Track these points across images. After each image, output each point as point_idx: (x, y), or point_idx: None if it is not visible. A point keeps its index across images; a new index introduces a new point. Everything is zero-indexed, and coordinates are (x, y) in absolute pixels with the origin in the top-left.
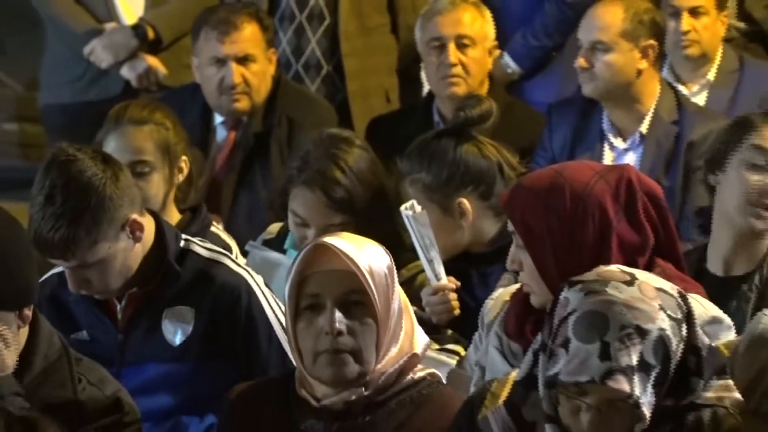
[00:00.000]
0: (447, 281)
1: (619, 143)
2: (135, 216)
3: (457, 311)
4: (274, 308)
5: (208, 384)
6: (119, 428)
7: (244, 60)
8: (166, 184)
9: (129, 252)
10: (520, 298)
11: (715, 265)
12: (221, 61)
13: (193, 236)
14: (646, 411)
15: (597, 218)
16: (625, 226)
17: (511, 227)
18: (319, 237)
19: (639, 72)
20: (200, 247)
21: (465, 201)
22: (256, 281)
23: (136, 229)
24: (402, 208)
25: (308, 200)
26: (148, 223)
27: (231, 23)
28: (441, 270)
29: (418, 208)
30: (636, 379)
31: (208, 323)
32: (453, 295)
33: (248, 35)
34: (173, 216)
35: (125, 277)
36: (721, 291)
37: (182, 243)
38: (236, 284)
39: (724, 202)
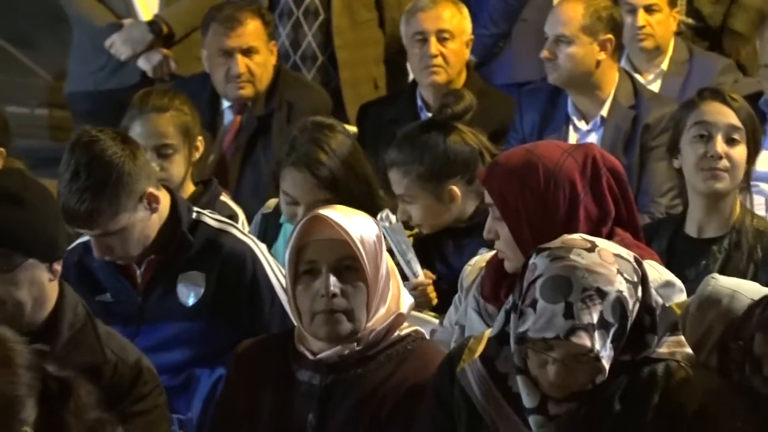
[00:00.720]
0: (424, 277)
1: (582, 125)
2: (151, 189)
3: (435, 301)
4: (276, 273)
5: (218, 340)
6: (145, 395)
7: (248, 52)
8: (186, 163)
9: (146, 222)
10: (495, 264)
11: (690, 227)
12: (228, 53)
13: (205, 205)
14: (606, 364)
15: (567, 192)
16: (590, 199)
17: (488, 200)
18: (308, 212)
19: (598, 63)
20: (210, 218)
21: (454, 188)
22: (260, 249)
23: (152, 201)
24: (378, 218)
25: (296, 180)
26: (164, 197)
27: (236, 19)
28: (417, 268)
29: (393, 218)
30: (596, 335)
31: (218, 286)
32: (430, 288)
33: (252, 30)
34: (188, 188)
35: (143, 245)
36: (694, 250)
37: (194, 215)
38: (242, 251)
39: (687, 174)
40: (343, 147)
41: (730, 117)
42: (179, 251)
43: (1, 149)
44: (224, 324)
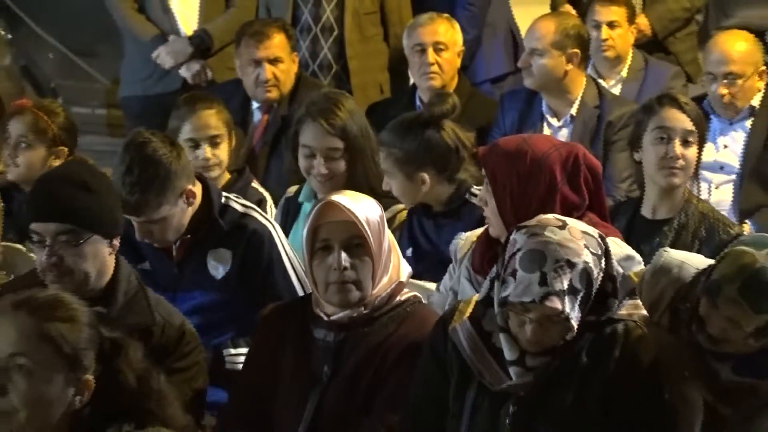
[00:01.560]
0: None
1: (554, 122)
2: (190, 186)
3: None
4: (289, 254)
5: (232, 310)
6: (187, 353)
7: (274, 61)
8: (229, 151)
9: (183, 213)
10: (482, 241)
11: (646, 210)
12: (257, 62)
13: (239, 190)
14: (575, 324)
15: (547, 179)
16: (568, 189)
17: (483, 174)
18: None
19: (565, 72)
20: (236, 202)
21: (425, 175)
22: (277, 232)
23: (190, 196)
24: None
25: (313, 129)
26: (198, 188)
27: (264, 33)
28: None
29: None
30: (566, 300)
31: (242, 262)
32: None
33: (277, 42)
34: (225, 175)
35: (179, 232)
36: (648, 230)
37: (223, 200)
38: (262, 233)
39: (647, 168)
40: (352, 106)
41: (686, 123)
42: (210, 232)
43: (63, 148)
44: (243, 296)
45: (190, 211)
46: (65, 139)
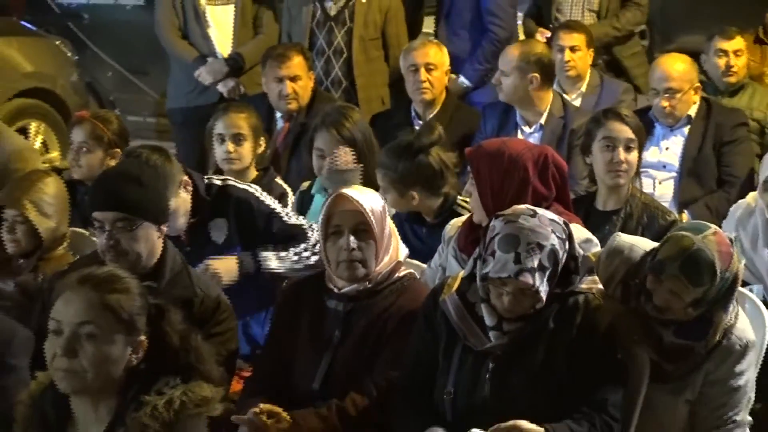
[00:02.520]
0: None
1: (527, 129)
2: (184, 177)
3: None
4: (276, 204)
5: None
6: (222, 321)
7: (294, 79)
8: (253, 152)
9: (186, 201)
10: (466, 226)
11: (599, 203)
12: (279, 79)
13: (265, 185)
14: (543, 296)
15: (521, 174)
16: (538, 182)
17: (469, 169)
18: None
19: (527, 91)
20: (216, 179)
21: (414, 193)
22: (258, 191)
23: (186, 184)
24: None
25: (325, 136)
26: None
27: (285, 56)
28: None
29: None
30: (536, 275)
31: (237, 223)
32: None
33: (296, 63)
34: (253, 172)
35: (187, 217)
36: (601, 220)
37: (205, 181)
38: (246, 194)
39: (597, 171)
40: (359, 118)
41: (628, 132)
42: (205, 209)
43: (118, 150)
44: (247, 246)
45: (188, 197)
46: (119, 142)
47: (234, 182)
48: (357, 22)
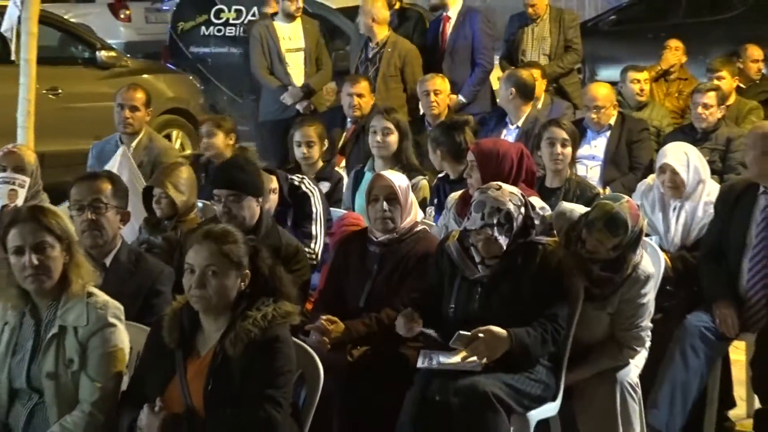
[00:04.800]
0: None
1: (511, 128)
2: (272, 185)
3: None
4: (319, 202)
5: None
6: (300, 261)
7: (359, 95)
8: (319, 151)
9: (274, 202)
10: (461, 199)
11: (547, 182)
12: (350, 95)
13: (328, 171)
14: (502, 243)
15: (508, 164)
16: (517, 169)
17: (471, 158)
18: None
19: (509, 100)
20: (304, 186)
21: (439, 152)
22: (315, 193)
23: (273, 190)
24: None
25: (378, 118)
26: (274, 181)
27: (356, 80)
28: None
29: None
30: (495, 229)
31: (294, 214)
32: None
33: (363, 86)
34: (320, 163)
35: (274, 209)
36: (548, 193)
37: (297, 183)
38: (306, 193)
39: (544, 160)
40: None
41: (563, 134)
42: (284, 203)
43: (233, 135)
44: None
45: (275, 197)
46: (233, 131)
47: (304, 186)
48: (382, 63)
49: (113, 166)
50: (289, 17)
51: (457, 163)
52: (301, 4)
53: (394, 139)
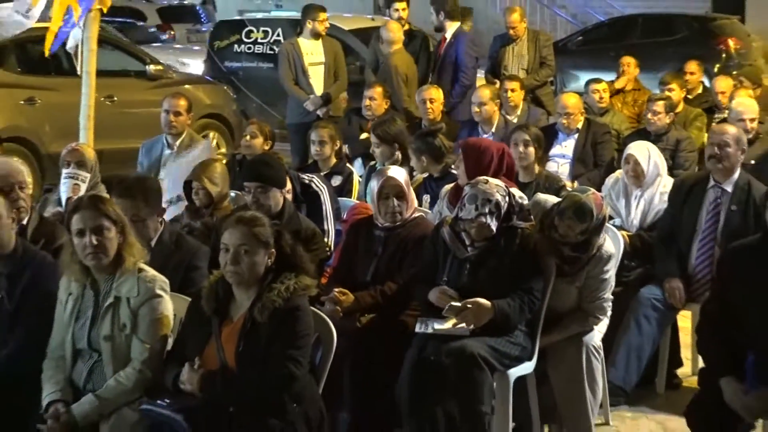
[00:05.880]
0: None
1: (488, 132)
2: (288, 186)
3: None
4: (328, 201)
5: None
6: (317, 242)
7: (371, 98)
8: (331, 150)
9: (288, 199)
10: (453, 190)
11: (521, 177)
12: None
13: (339, 168)
14: (493, 228)
15: (490, 159)
16: (498, 164)
17: (459, 153)
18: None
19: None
20: (314, 183)
21: (424, 158)
22: (325, 192)
23: (288, 190)
24: None
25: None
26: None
27: (371, 85)
28: None
29: None
30: (488, 217)
31: (307, 208)
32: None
33: (378, 91)
34: (333, 159)
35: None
36: (521, 187)
37: (307, 182)
38: (317, 191)
39: (516, 158)
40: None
41: (525, 136)
42: (297, 201)
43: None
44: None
45: (290, 196)
46: (270, 137)
47: (314, 185)
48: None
49: (196, 156)
50: (315, 36)
51: (438, 163)
52: (327, 26)
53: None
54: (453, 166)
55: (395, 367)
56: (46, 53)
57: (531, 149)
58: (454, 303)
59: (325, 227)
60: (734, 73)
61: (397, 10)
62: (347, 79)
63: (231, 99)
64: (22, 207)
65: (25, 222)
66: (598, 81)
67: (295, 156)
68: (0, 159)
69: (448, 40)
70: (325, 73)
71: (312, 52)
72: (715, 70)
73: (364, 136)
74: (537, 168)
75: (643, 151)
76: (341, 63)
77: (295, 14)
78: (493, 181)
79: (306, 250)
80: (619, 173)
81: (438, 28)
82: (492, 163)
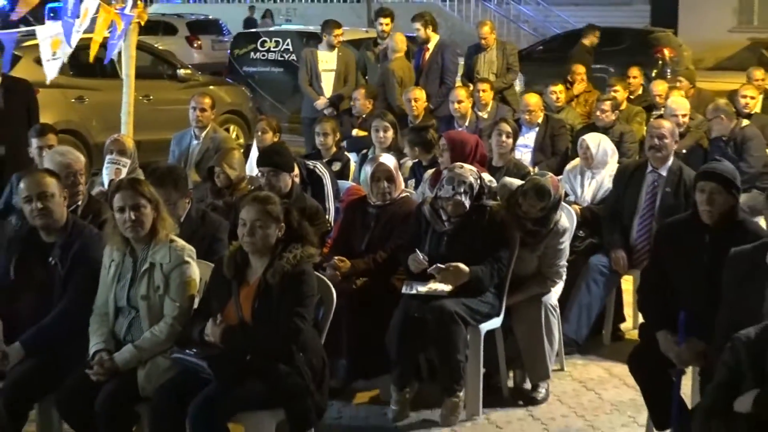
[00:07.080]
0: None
1: (464, 125)
2: (296, 172)
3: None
4: (329, 182)
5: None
6: (321, 216)
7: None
8: (333, 139)
9: (296, 183)
10: (434, 174)
11: (494, 162)
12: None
13: (339, 154)
14: (467, 205)
15: (470, 149)
16: (475, 153)
17: (443, 143)
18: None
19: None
20: (317, 169)
21: (417, 149)
22: (326, 175)
23: (296, 176)
24: None
25: (378, 120)
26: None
27: (365, 88)
28: None
29: None
30: (462, 196)
31: (312, 190)
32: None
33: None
34: (334, 148)
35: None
36: (493, 171)
37: (311, 167)
38: (320, 176)
39: (492, 147)
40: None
41: (508, 129)
42: (303, 183)
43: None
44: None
45: (297, 180)
46: (278, 130)
47: (318, 170)
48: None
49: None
50: (330, 47)
51: (427, 153)
52: (341, 39)
53: (390, 134)
54: (438, 155)
55: (385, 322)
56: (91, 59)
57: (510, 140)
58: (440, 265)
59: (327, 205)
60: (675, 75)
61: (381, 23)
62: (354, 83)
63: (248, 98)
64: (80, 191)
65: (79, 203)
66: (554, 83)
67: (308, 144)
68: (63, 148)
69: (431, 50)
70: (335, 79)
71: (326, 60)
72: (653, 74)
73: (355, 132)
74: (510, 155)
75: (594, 140)
76: (352, 70)
77: (302, 27)
78: (467, 166)
79: (311, 224)
80: (577, 161)
81: (422, 41)
82: (471, 152)
